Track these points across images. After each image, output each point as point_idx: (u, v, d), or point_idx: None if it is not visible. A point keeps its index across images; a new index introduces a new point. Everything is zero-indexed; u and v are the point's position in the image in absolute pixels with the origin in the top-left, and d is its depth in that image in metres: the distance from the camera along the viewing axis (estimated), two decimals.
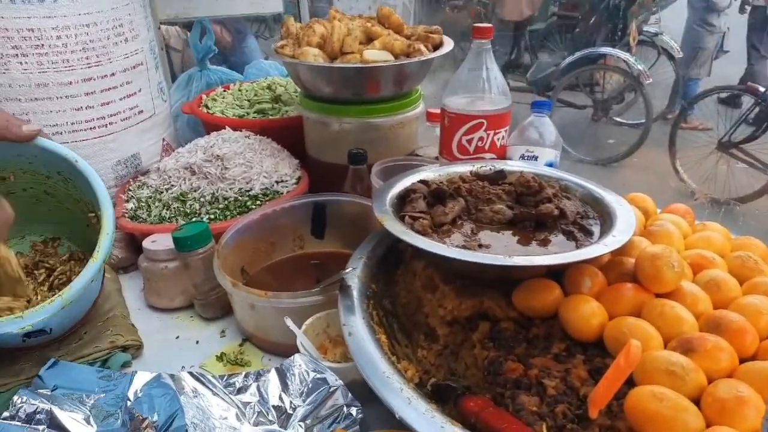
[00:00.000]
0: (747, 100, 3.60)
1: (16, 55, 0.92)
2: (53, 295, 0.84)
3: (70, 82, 0.98)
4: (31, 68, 0.94)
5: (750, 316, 0.59)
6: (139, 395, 0.68)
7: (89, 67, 0.99)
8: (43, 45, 0.94)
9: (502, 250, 0.70)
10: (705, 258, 0.69)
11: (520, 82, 4.81)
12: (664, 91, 4.60)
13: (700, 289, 0.63)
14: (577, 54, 4.30)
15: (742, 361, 0.56)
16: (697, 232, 0.77)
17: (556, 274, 0.69)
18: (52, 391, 0.70)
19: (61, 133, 0.99)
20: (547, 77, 4.61)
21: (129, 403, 0.68)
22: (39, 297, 0.86)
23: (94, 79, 1.00)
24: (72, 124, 1.00)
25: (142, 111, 1.11)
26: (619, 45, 4.29)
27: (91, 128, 1.02)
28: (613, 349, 0.59)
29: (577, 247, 0.69)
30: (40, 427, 0.65)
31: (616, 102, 4.40)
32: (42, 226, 0.96)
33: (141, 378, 0.70)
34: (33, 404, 0.66)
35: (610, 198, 0.78)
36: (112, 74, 1.03)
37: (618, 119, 4.47)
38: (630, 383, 0.54)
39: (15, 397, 0.66)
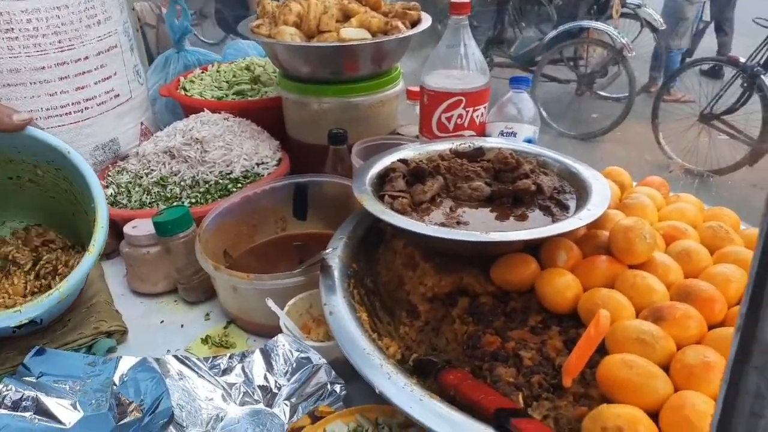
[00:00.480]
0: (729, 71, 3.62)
1: None
2: (40, 284, 0.85)
3: (43, 67, 0.96)
4: (2, 53, 0.92)
5: (719, 285, 0.61)
6: (125, 379, 0.69)
7: (62, 51, 0.97)
8: (13, 29, 0.92)
9: (480, 227, 0.71)
10: (677, 229, 0.71)
11: (504, 58, 4.78)
12: (648, 64, 4.61)
13: (672, 259, 0.65)
14: (560, 28, 4.28)
15: (711, 328, 0.58)
16: (671, 203, 0.79)
17: (534, 248, 0.70)
18: (37, 378, 0.70)
19: (37, 119, 0.97)
20: (530, 52, 4.58)
21: (115, 387, 0.68)
22: (28, 287, 0.86)
23: (68, 63, 0.99)
24: (47, 110, 0.98)
25: (118, 95, 1.10)
26: (602, 18, 4.28)
27: (66, 113, 1.01)
28: (587, 320, 0.61)
29: (554, 222, 0.70)
30: (27, 414, 0.66)
31: (599, 76, 4.39)
32: (23, 212, 0.95)
33: (126, 363, 0.71)
34: (19, 392, 0.67)
35: (587, 173, 0.79)
36: (86, 58, 1.01)
37: (602, 93, 4.48)
38: (604, 352, 0.56)
39: (0, 386, 0.67)
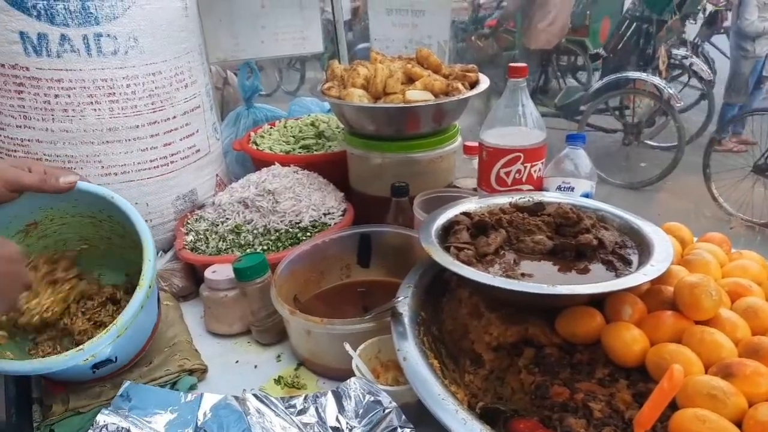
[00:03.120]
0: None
1: (91, 102, 1.02)
2: (95, 327, 0.91)
3: (138, 126, 1.07)
4: (104, 114, 1.03)
5: None
6: (209, 415, 0.74)
7: (154, 112, 1.08)
8: (114, 93, 1.03)
9: (543, 279, 0.74)
10: (742, 286, 0.72)
11: (548, 107, 4.84)
12: (696, 113, 4.58)
13: (738, 316, 0.66)
14: (606, 78, 4.33)
15: None
16: (734, 260, 0.80)
17: (597, 301, 0.73)
18: (129, 411, 0.76)
19: (129, 173, 1.08)
20: (575, 102, 4.64)
21: (199, 422, 0.73)
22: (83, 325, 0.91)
23: (158, 123, 1.09)
24: (138, 164, 1.09)
25: (198, 150, 1.20)
26: (648, 69, 4.30)
27: (155, 167, 1.11)
28: (655, 374, 0.63)
29: (617, 276, 0.73)
30: None
31: (646, 125, 4.39)
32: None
33: (209, 400, 0.76)
34: (114, 423, 0.73)
35: (648, 228, 0.82)
36: (174, 117, 1.12)
37: (650, 142, 4.46)
38: (673, 407, 0.57)
39: (98, 417, 0.73)
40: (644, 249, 0.78)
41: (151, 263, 0.82)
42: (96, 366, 0.80)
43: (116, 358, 0.83)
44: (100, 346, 0.76)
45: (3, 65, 0.96)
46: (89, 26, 0.98)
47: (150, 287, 0.81)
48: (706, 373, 0.61)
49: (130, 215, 0.84)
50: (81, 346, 0.76)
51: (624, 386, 0.63)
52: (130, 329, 0.79)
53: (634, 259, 0.77)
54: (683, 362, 0.60)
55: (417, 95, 1.05)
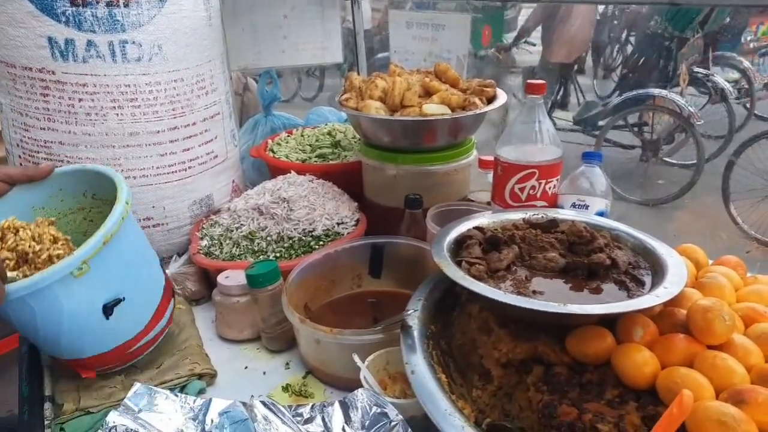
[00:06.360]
0: None
1: (114, 107, 1.04)
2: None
3: (158, 131, 1.09)
4: (126, 119, 1.05)
5: None
6: (215, 421, 0.75)
7: (174, 118, 1.10)
8: (137, 99, 1.05)
9: (555, 297, 0.74)
10: (756, 311, 0.71)
11: (566, 120, 4.82)
12: (717, 131, 4.53)
13: (752, 342, 0.65)
14: (625, 94, 4.30)
15: None
16: (749, 284, 0.79)
17: (608, 321, 0.72)
18: (138, 413, 0.77)
19: (147, 176, 1.10)
20: (593, 117, 4.61)
21: (206, 427, 0.74)
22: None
23: (178, 128, 1.12)
24: (157, 168, 1.11)
25: (216, 156, 1.22)
26: (669, 85, 4.27)
27: (173, 172, 1.13)
28: (665, 398, 0.62)
29: (629, 297, 0.72)
30: None
31: (665, 143, 4.35)
32: None
33: (217, 405, 0.77)
34: (123, 425, 0.74)
35: (662, 249, 0.81)
36: (194, 123, 1.14)
37: (668, 160, 4.41)
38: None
39: (107, 417, 0.74)
40: (658, 270, 0.77)
41: (125, 190, 0.80)
42: (109, 309, 0.79)
43: (124, 297, 0.80)
44: (89, 252, 0.73)
45: (30, 68, 0.99)
46: (115, 33, 1.00)
47: (127, 203, 0.79)
48: (717, 398, 0.60)
49: (105, 172, 0.85)
50: (70, 254, 0.74)
51: (633, 408, 0.63)
52: (117, 240, 0.76)
53: (647, 280, 0.77)
54: (694, 387, 0.59)
55: (434, 109, 1.06)
